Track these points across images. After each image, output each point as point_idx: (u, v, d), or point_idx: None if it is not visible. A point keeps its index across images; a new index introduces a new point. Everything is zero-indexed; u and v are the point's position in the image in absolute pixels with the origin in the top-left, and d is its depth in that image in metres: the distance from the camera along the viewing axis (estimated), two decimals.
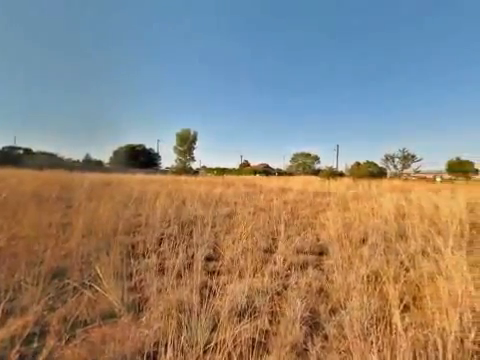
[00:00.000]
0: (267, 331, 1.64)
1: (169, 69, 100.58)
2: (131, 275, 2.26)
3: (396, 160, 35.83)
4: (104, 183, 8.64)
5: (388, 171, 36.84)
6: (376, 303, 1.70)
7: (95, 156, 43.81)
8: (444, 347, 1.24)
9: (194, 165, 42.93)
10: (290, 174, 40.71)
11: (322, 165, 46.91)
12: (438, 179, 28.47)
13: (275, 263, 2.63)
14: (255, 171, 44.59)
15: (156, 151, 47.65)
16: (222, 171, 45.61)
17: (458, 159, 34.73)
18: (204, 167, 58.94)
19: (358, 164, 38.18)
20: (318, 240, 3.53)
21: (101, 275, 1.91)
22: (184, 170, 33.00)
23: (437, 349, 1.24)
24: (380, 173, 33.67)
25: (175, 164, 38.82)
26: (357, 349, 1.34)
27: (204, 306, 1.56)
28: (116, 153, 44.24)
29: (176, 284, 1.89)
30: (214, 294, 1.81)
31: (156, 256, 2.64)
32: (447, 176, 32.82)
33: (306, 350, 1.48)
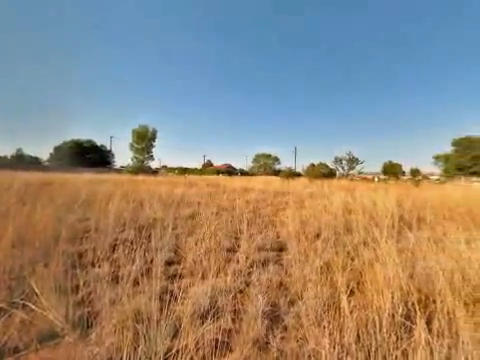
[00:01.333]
0: (230, 330, 1.65)
1: (129, 65, 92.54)
2: (77, 288, 1.99)
3: (344, 162, 40.44)
4: (42, 183, 7.43)
5: (337, 172, 41.21)
6: (328, 291, 1.88)
7: (30, 152, 37.40)
8: (380, 323, 1.45)
9: (153, 164, 40.35)
10: (252, 174, 41.97)
11: (282, 166, 49.80)
12: (376, 179, 33.11)
13: (238, 262, 2.67)
14: (218, 171, 44.52)
15: (109, 148, 43.21)
16: (184, 171, 44.13)
17: (390, 162, 41.01)
18: (165, 167, 56.12)
19: (313, 165, 41.75)
20: (278, 237, 3.73)
21: (38, 291, 1.64)
22: (142, 169, 30.75)
23: (375, 325, 1.44)
24: (331, 174, 37.52)
25: (131, 163, 35.76)
26: (312, 335, 1.46)
27: (164, 312, 1.48)
28: (58, 149, 38.42)
29: (133, 293, 1.75)
30: (175, 299, 1.73)
31: (109, 264, 2.40)
32: (383, 177, 38.40)
33: (267, 343, 1.54)
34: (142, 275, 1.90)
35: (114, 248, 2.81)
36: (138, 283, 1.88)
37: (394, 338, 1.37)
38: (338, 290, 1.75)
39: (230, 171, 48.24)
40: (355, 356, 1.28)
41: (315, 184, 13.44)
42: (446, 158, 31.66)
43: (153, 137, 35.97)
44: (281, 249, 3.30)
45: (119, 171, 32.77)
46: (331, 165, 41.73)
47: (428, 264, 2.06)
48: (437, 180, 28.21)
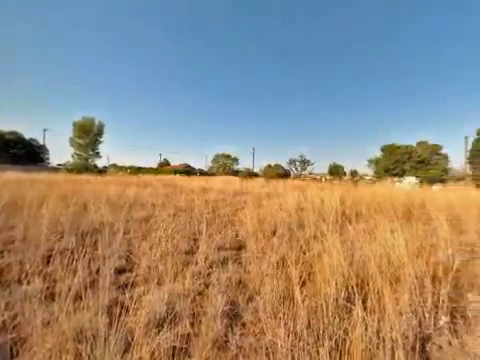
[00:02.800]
0: (189, 335, 1.60)
1: (80, 61, 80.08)
2: None
3: (297, 164, 44.01)
4: None
5: (291, 172, 44.50)
6: (283, 284, 2.00)
7: None
8: (327, 308, 1.62)
9: (100, 162, 35.79)
10: (212, 174, 41.65)
11: (241, 166, 50.95)
12: (323, 179, 36.97)
13: (197, 263, 2.62)
14: (176, 171, 42.66)
15: (42, 143, 36.61)
16: (138, 170, 40.77)
17: (335, 164, 46.44)
18: (114, 165, 50.82)
19: (269, 166, 44.07)
20: (237, 236, 3.79)
21: None
22: (86, 168, 27.14)
23: (323, 311, 1.60)
24: (286, 174, 40.30)
25: (72, 160, 31.05)
26: (269, 328, 1.53)
27: (114, 327, 1.34)
28: None
29: (74, 309, 1.53)
30: (127, 310, 1.59)
31: (41, 279, 2.04)
32: (329, 177, 43.17)
33: (227, 342, 1.55)
34: (86, 288, 1.68)
35: (49, 260, 2.41)
36: (81, 298, 1.65)
37: (338, 319, 1.56)
38: (292, 282, 1.88)
39: (188, 171, 46.81)
40: (306, 341, 1.40)
41: (271, 184, 14.19)
42: (376, 161, 37.59)
43: (99, 132, 31.90)
44: (240, 247, 3.37)
45: (56, 170, 28.08)
46: (286, 166, 44.98)
47: (364, 252, 2.41)
48: (370, 180, 33.18)
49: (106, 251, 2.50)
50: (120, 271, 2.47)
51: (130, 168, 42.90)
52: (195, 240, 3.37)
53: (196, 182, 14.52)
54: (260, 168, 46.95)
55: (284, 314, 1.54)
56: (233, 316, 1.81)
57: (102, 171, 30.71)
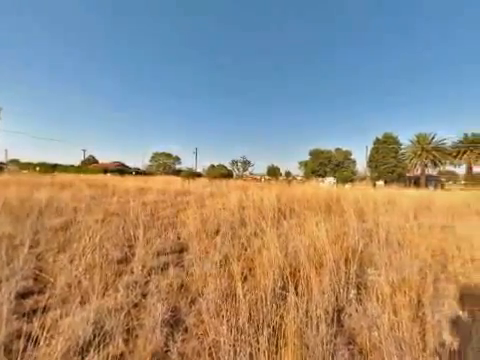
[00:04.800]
0: (122, 354, 1.43)
1: None
2: None
3: (239, 164, 45.82)
4: None
5: (234, 173, 45.95)
6: (226, 282, 2.04)
7: None
8: (265, 298, 1.75)
9: None
10: (150, 174, 38.35)
11: (183, 166, 49.04)
12: (263, 180, 39.83)
13: (132, 272, 2.36)
14: (106, 170, 37.18)
15: None
16: (52, 168, 33.34)
17: (273, 165, 50.81)
18: (16, 161, 40.07)
19: (213, 166, 44.19)
20: (179, 238, 3.63)
21: None
22: None
23: (262, 302, 1.72)
24: (229, 174, 41.31)
25: None
26: (212, 327, 1.53)
27: None
28: None
29: None
30: (36, 342, 1.28)
31: None
32: (267, 177, 46.80)
33: (167, 351, 1.46)
34: None
35: None
36: None
37: (275, 307, 1.71)
38: (234, 279, 1.94)
39: (122, 170, 41.63)
40: (247, 333, 1.47)
41: (215, 184, 14.25)
42: (305, 164, 43.28)
43: None
44: (182, 250, 3.24)
45: None
46: (229, 166, 46.13)
47: (295, 244, 2.73)
48: (301, 180, 37.92)
49: (3, 271, 1.94)
50: (25, 295, 1.97)
51: (40, 165, 34.58)
52: (130, 247, 3.03)
53: (132, 182, 13.06)
54: (203, 168, 46.48)
55: (227, 311, 1.58)
56: (174, 323, 1.72)
57: None
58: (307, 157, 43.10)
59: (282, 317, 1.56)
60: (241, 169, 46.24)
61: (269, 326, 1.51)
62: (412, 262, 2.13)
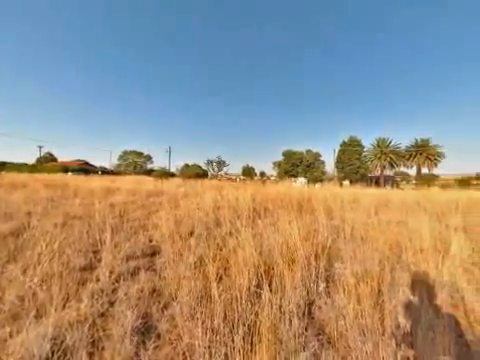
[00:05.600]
0: None
1: None
2: None
3: (214, 164, 45.47)
4: None
5: (209, 173, 45.45)
6: (201, 283, 2.01)
7: None
8: (241, 297, 1.77)
9: None
10: (118, 173, 35.94)
11: (155, 165, 46.97)
12: (238, 180, 40.14)
13: (98, 280, 2.19)
14: (67, 169, 33.82)
15: None
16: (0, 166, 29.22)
17: (248, 166, 51.44)
18: None
19: (187, 166, 43.13)
20: (151, 241, 3.47)
21: None
22: None
23: (237, 301, 1.73)
24: (204, 174, 40.72)
25: None
26: (186, 331, 1.50)
27: None
28: None
29: None
30: None
31: None
32: (242, 177, 47.24)
33: None
34: None
35: None
36: None
37: (250, 305, 1.73)
38: (209, 280, 1.92)
39: (86, 169, 38.29)
40: (223, 333, 1.47)
41: (189, 184, 13.92)
42: (279, 164, 44.71)
43: None
44: (154, 253, 3.10)
45: None
46: (204, 166, 45.47)
47: (270, 242, 2.80)
48: (274, 180, 39.04)
49: None
50: None
51: None
52: (96, 252, 2.80)
53: (97, 182, 12.09)
54: (177, 168, 45.07)
55: (202, 313, 1.55)
56: (146, 330, 1.64)
57: None
58: (281, 158, 44.58)
59: (257, 314, 1.59)
60: (216, 169, 45.95)
61: (244, 324, 1.53)
62: (373, 255, 2.34)
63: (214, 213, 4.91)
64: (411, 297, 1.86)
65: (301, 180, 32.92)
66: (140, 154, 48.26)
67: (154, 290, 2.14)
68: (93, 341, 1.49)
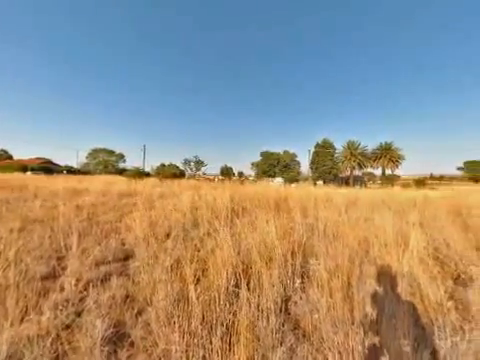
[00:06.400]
0: None
1: None
2: None
3: (192, 164, 44.62)
4: None
5: (186, 172, 44.46)
6: (178, 286, 1.96)
7: None
8: (219, 298, 1.76)
9: None
10: (87, 173, 33.40)
11: (129, 164, 44.58)
12: (216, 180, 39.92)
13: (62, 289, 2.01)
14: (26, 167, 30.47)
15: None
16: None
17: (226, 165, 51.46)
18: None
19: (163, 165, 41.68)
20: (124, 245, 3.28)
21: None
22: None
23: (216, 301, 1.72)
24: (181, 174, 39.72)
25: None
26: (162, 337, 1.45)
27: None
28: None
29: None
30: None
31: None
32: (221, 177, 47.09)
33: None
34: None
35: None
36: None
37: (228, 305, 1.73)
38: (187, 282, 1.88)
39: (48, 168, 34.90)
40: (201, 336, 1.44)
41: (166, 184, 13.45)
42: (257, 164, 45.47)
43: None
44: (127, 257, 2.94)
45: None
46: (181, 166, 44.34)
47: (248, 241, 2.83)
48: (253, 180, 39.58)
49: None
50: None
51: None
52: (60, 259, 2.58)
53: (61, 182, 11.09)
54: (152, 167, 43.24)
55: (179, 317, 1.51)
56: (118, 339, 1.55)
57: None
58: (259, 158, 45.35)
59: (235, 314, 1.60)
60: (194, 169, 45.10)
61: (222, 325, 1.52)
62: (344, 250, 2.49)
63: (192, 214, 4.82)
64: (377, 288, 2.02)
65: (278, 180, 33.85)
66: (111, 152, 45.39)
67: (127, 296, 2.03)
68: (57, 356, 1.37)
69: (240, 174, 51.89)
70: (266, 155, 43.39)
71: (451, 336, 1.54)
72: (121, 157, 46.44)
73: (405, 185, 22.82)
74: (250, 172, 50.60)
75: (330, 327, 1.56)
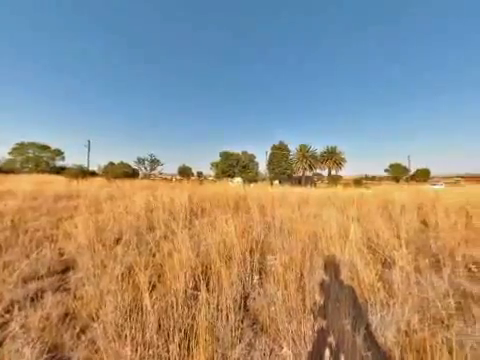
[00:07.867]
0: None
1: None
2: None
3: (146, 163, 41.61)
4: None
5: (140, 172, 41.20)
6: (130, 295, 1.79)
7: None
8: (177, 303, 1.68)
9: None
10: (10, 171, 27.60)
11: (69, 163, 38.66)
12: (174, 179, 38.18)
13: None
14: None
15: None
16: None
17: (184, 165, 49.73)
18: None
19: (112, 164, 37.61)
20: (62, 255, 2.84)
21: None
22: None
23: (173, 307, 1.64)
24: (134, 174, 36.56)
25: None
26: (111, 354, 1.31)
27: None
28: None
29: None
30: None
31: None
32: (179, 177, 45.21)
33: None
34: None
35: None
36: None
37: (186, 309, 1.67)
38: (140, 290, 1.74)
39: None
40: (156, 345, 1.36)
41: (115, 184, 12.18)
42: (216, 164, 45.31)
43: None
44: (67, 269, 2.55)
45: None
46: (134, 165, 40.79)
47: (207, 242, 2.79)
48: (212, 180, 39.29)
49: None
50: None
51: None
52: None
53: None
54: (99, 166, 38.48)
55: (131, 328, 1.39)
56: None
57: None
58: (218, 158, 45.29)
59: (194, 317, 1.56)
60: (149, 168, 42.13)
61: (180, 330, 1.46)
62: (297, 244, 2.69)
63: (146, 216, 4.49)
64: (324, 277, 2.25)
65: (237, 180, 34.50)
66: (44, 148, 38.51)
67: (66, 314, 1.76)
68: None
69: (199, 174, 50.89)
70: (226, 155, 43.66)
71: (380, 311, 1.83)
72: (58, 153, 39.85)
73: (346, 184, 26.14)
74: (210, 172, 50.11)
75: (285, 317, 1.67)
